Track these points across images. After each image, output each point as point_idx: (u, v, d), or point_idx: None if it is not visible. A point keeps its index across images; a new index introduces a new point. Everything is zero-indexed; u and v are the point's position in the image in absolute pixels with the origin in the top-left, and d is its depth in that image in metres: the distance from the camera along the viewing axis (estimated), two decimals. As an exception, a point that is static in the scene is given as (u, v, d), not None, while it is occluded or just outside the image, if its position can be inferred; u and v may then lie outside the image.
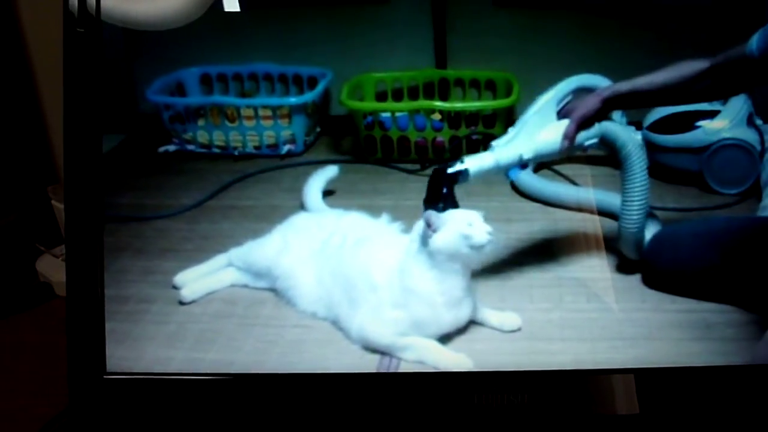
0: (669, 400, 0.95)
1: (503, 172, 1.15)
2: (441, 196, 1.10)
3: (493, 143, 1.14)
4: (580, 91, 1.16)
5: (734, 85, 1.11)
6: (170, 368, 1.03)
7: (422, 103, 1.40)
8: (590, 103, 1.12)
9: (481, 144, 1.39)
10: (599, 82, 1.17)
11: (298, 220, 1.25)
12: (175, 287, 1.18)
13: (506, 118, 1.37)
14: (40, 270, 1.42)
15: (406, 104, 1.41)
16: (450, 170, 1.12)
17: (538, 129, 1.14)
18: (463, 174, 1.12)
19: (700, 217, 1.28)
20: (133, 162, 1.43)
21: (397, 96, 1.44)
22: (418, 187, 1.35)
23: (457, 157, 1.37)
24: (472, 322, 1.10)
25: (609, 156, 1.36)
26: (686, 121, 1.30)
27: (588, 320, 1.10)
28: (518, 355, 1.05)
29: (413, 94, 1.43)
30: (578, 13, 1.34)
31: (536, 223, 1.28)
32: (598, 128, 1.14)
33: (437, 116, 1.39)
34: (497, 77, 1.40)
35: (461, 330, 1.08)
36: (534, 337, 1.07)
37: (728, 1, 1.29)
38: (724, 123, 1.27)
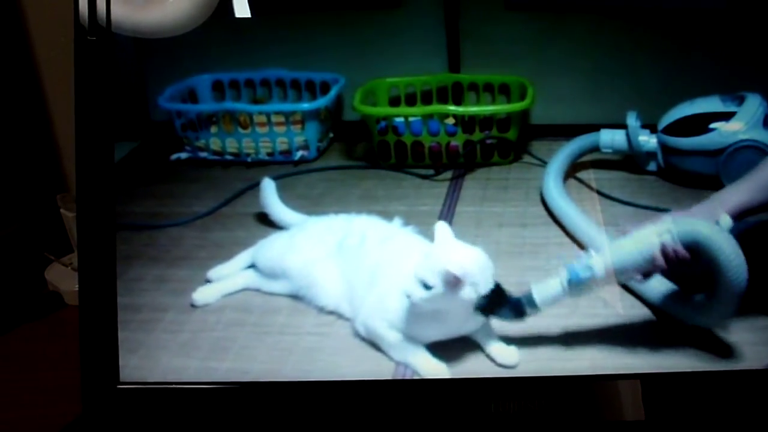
0: (680, 405, 0.94)
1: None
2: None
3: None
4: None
5: None
6: (184, 377, 1.02)
7: (436, 107, 1.40)
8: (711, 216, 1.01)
9: (496, 148, 1.39)
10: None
11: (306, 223, 1.25)
12: (208, 281, 1.19)
13: (521, 122, 1.37)
14: (49, 279, 1.42)
15: (420, 109, 1.41)
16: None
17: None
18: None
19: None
20: (146, 170, 1.43)
21: (411, 101, 1.43)
22: (432, 192, 1.35)
23: (472, 160, 1.38)
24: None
25: (624, 160, 1.37)
26: (701, 124, 1.29)
27: (605, 326, 1.08)
28: (535, 362, 1.03)
29: (427, 99, 1.43)
30: (590, 16, 1.34)
31: (552, 228, 1.26)
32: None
33: (451, 121, 1.39)
34: (511, 81, 1.40)
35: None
36: (551, 344, 1.06)
37: (743, 3, 1.28)
38: (741, 125, 1.26)
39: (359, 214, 1.22)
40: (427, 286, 0.97)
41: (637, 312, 1.10)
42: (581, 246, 1.21)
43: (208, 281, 1.19)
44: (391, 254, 1.12)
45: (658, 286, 1.10)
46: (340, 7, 1.38)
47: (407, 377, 1.02)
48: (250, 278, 1.20)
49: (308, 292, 1.15)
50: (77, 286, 0.98)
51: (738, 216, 1.01)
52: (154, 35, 1.01)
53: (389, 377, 1.02)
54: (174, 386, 0.99)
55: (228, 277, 1.20)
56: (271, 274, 1.18)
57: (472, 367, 1.03)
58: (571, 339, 1.06)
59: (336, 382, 1.00)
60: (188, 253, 1.26)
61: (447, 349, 1.05)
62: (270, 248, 1.22)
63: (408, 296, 0.99)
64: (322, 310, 1.14)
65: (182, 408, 0.98)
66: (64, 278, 1.40)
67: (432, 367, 1.02)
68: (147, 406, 0.98)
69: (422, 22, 1.39)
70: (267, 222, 1.29)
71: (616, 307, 1.11)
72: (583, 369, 1.01)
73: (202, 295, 1.16)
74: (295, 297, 1.16)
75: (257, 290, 1.19)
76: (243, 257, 1.22)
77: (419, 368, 1.02)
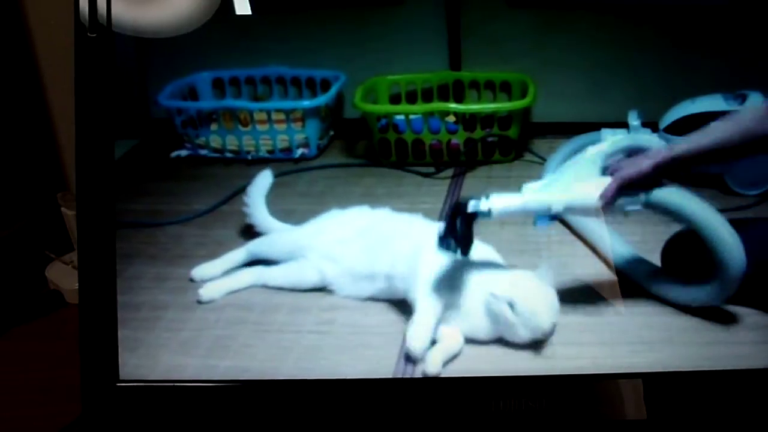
0: (683, 405, 0.94)
1: (531, 218, 1.08)
2: (456, 234, 1.05)
3: (525, 186, 1.07)
4: (634, 151, 1.08)
5: None
6: (184, 375, 1.02)
7: (437, 105, 1.40)
8: (640, 167, 1.03)
9: (497, 146, 1.39)
10: (655, 143, 1.10)
11: (331, 211, 1.26)
12: (192, 280, 1.19)
13: (522, 120, 1.37)
14: (50, 277, 1.42)
15: (421, 107, 1.41)
16: (471, 208, 1.05)
17: (577, 181, 1.06)
18: (484, 213, 1.05)
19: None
20: (146, 168, 1.43)
21: (411, 98, 1.43)
22: (433, 190, 1.35)
23: (473, 158, 1.38)
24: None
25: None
26: (704, 123, 1.28)
27: (607, 324, 1.08)
28: (536, 360, 1.03)
29: (427, 97, 1.42)
30: (592, 14, 1.34)
31: (553, 226, 1.25)
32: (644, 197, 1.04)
33: (452, 118, 1.38)
34: (512, 78, 1.40)
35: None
36: (552, 342, 1.05)
37: (745, 1, 1.28)
38: (744, 124, 1.26)
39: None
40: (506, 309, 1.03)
41: (640, 310, 1.10)
42: (585, 243, 1.22)
43: (191, 280, 1.19)
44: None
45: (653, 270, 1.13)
46: (341, 5, 1.37)
47: (407, 376, 1.01)
48: (257, 275, 1.20)
49: (333, 268, 1.17)
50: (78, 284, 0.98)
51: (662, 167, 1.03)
52: (156, 35, 1.01)
53: (389, 376, 1.01)
54: (174, 384, 0.99)
55: (229, 274, 1.20)
56: (289, 258, 1.20)
57: (472, 365, 1.03)
58: (572, 338, 1.06)
59: (336, 380, 1.00)
60: (188, 251, 1.26)
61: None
62: (289, 234, 1.24)
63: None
64: (337, 289, 1.17)
65: (182, 406, 0.98)
66: (64, 277, 1.40)
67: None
68: (147, 405, 0.98)
69: (423, 19, 1.39)
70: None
71: (618, 306, 1.11)
72: (585, 368, 1.00)
73: (208, 291, 1.16)
74: (302, 291, 1.18)
75: (263, 286, 1.19)
76: (231, 257, 1.22)
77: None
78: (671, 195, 1.04)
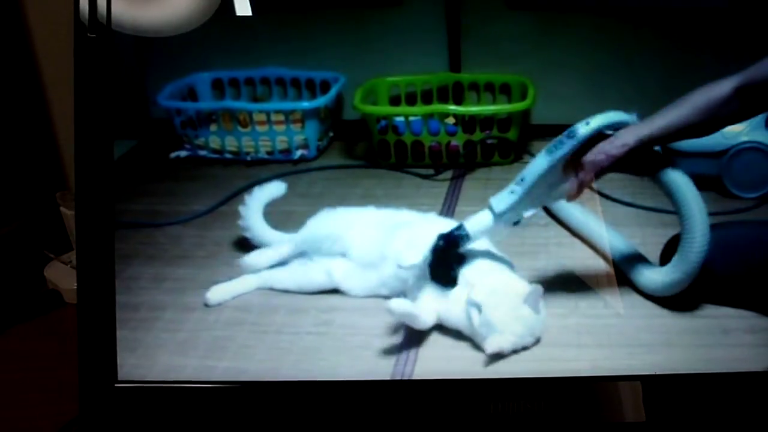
0: (681, 407, 0.94)
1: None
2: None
3: (494, 206, 1.11)
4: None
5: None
6: (182, 376, 1.02)
7: (436, 107, 1.39)
8: (610, 152, 1.06)
9: (496, 148, 1.38)
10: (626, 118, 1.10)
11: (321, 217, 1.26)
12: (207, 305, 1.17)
13: (521, 122, 1.37)
14: (48, 277, 1.42)
15: (420, 108, 1.40)
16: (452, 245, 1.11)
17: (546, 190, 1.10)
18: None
19: (718, 222, 1.26)
20: (145, 168, 1.42)
21: (411, 100, 1.42)
22: (432, 192, 1.35)
23: (472, 159, 1.38)
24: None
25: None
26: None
27: (605, 326, 1.08)
28: (535, 362, 1.03)
29: (427, 98, 1.42)
30: (592, 15, 1.34)
31: (552, 229, 1.26)
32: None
33: (451, 120, 1.38)
34: (512, 80, 1.39)
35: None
36: (550, 344, 1.06)
37: (745, 3, 1.28)
38: (743, 126, 1.26)
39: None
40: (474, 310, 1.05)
41: (639, 313, 1.10)
42: (587, 244, 1.22)
43: (206, 305, 1.17)
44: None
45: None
46: (340, 6, 1.37)
47: (405, 377, 1.01)
48: (264, 278, 1.20)
49: (343, 265, 1.18)
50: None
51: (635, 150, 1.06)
52: (156, 34, 1.01)
53: (387, 377, 1.02)
54: (172, 385, 0.99)
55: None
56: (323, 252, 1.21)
57: (470, 367, 1.03)
58: (570, 339, 1.06)
59: (334, 382, 1.00)
60: (187, 251, 1.26)
61: (445, 348, 1.06)
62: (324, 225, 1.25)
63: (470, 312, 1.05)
64: (343, 287, 1.18)
65: (180, 407, 0.98)
66: (63, 276, 1.40)
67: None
68: (145, 405, 0.98)
69: (423, 20, 1.38)
70: (267, 221, 1.28)
71: (617, 308, 1.11)
72: (584, 370, 1.00)
73: (216, 294, 1.16)
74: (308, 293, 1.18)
75: (270, 289, 1.19)
76: (244, 284, 1.20)
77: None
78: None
